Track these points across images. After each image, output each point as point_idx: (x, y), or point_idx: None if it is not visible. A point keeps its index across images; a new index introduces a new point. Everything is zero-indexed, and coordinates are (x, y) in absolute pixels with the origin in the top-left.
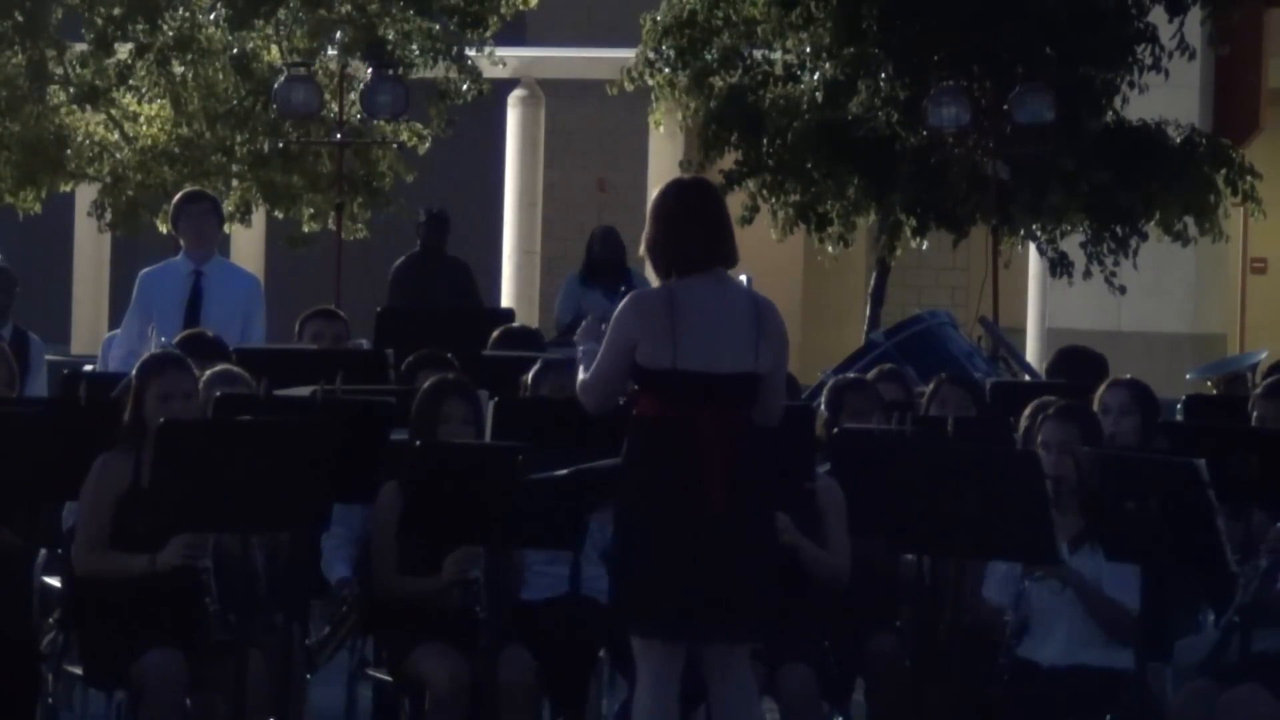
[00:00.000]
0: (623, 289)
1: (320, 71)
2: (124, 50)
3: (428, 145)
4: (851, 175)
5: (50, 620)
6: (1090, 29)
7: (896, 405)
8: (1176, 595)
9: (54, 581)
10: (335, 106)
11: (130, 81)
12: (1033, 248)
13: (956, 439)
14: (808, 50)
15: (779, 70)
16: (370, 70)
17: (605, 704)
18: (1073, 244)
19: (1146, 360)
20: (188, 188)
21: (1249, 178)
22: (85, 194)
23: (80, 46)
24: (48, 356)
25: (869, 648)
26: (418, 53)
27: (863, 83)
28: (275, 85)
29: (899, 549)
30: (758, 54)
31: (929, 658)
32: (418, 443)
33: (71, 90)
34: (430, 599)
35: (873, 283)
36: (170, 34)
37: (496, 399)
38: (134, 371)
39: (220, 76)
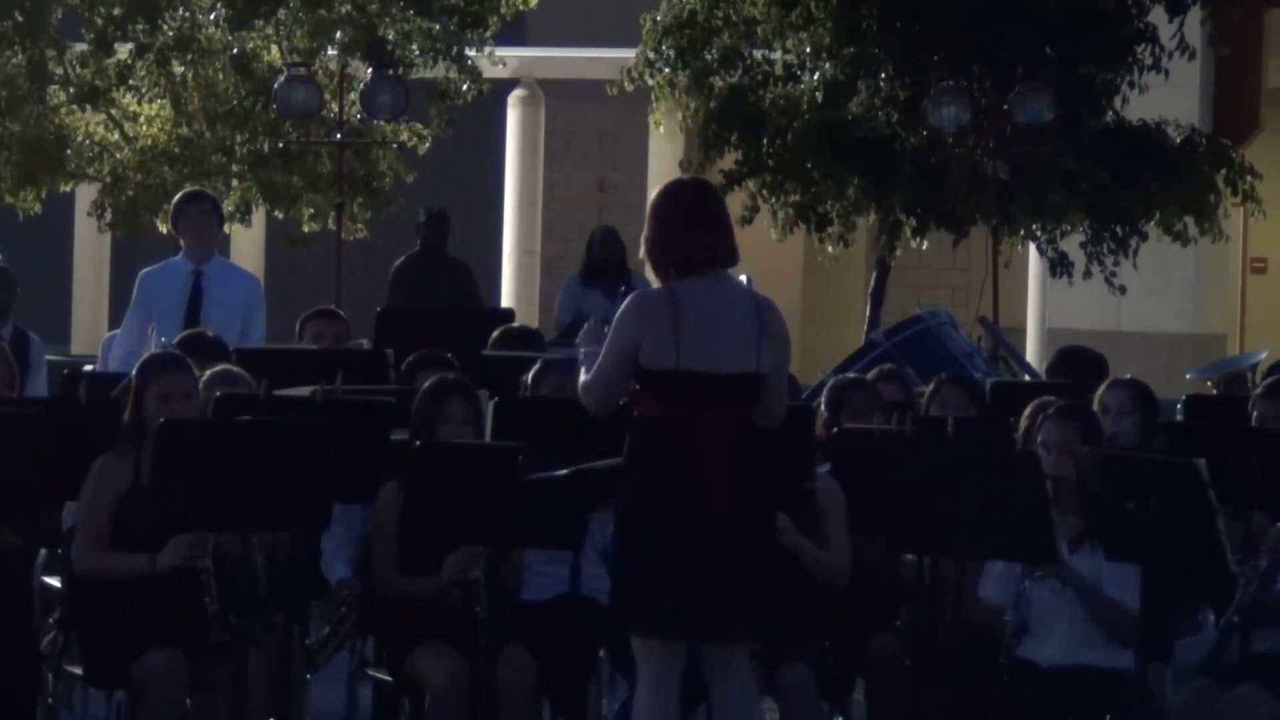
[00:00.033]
0: (623, 289)
1: (320, 71)
2: (124, 50)
3: (428, 145)
4: (851, 175)
5: (50, 620)
6: (1090, 29)
7: (896, 405)
8: (1176, 595)
9: (54, 581)
10: (335, 106)
11: (130, 81)
12: (1033, 248)
13: (956, 439)
14: (808, 50)
15: (779, 70)
16: (370, 70)
17: (605, 704)
18: (1073, 244)
19: (1146, 360)
20: (188, 188)
21: (1249, 178)
22: (85, 194)
23: (80, 46)
24: (48, 356)
25: (869, 648)
26: (418, 53)
27: (863, 83)
28: (275, 85)
29: (899, 549)
30: (758, 54)
31: (929, 658)
32: (418, 443)
33: (71, 90)
34: (430, 599)
35: (873, 283)
36: (170, 34)
37: (496, 399)
38: (134, 371)
39: (220, 76)
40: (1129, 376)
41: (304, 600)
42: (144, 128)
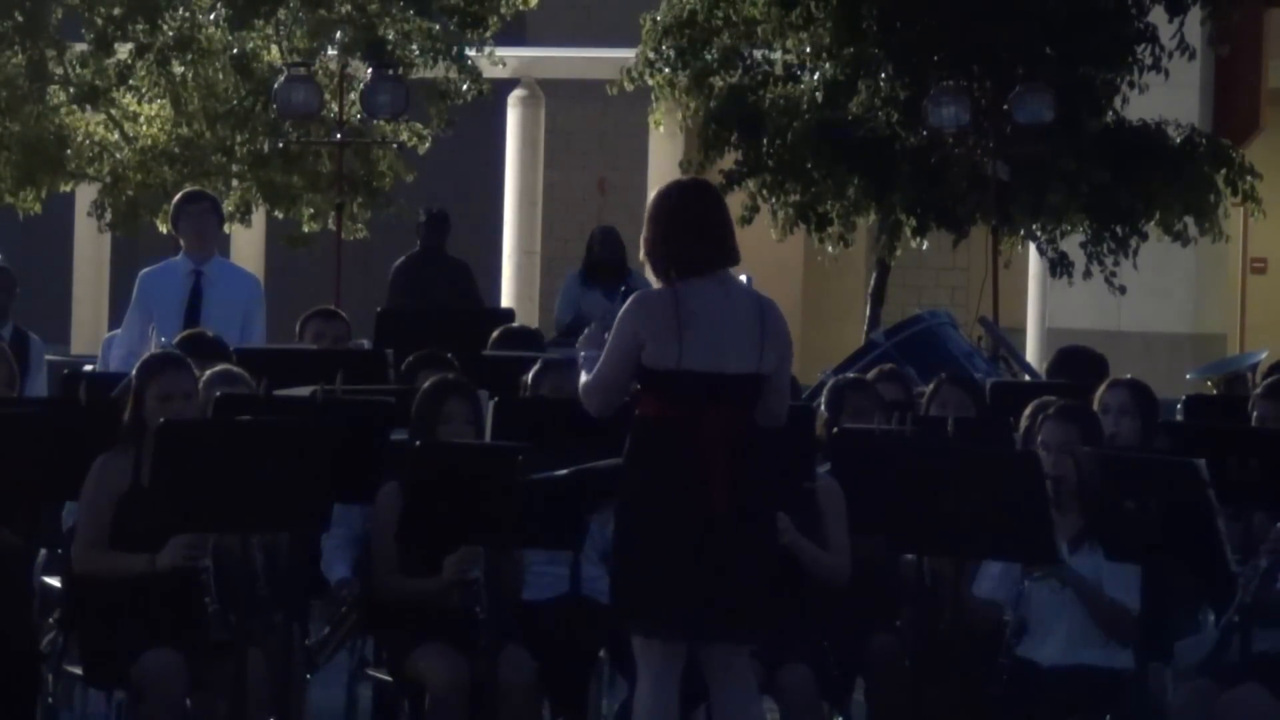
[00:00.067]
0: (623, 289)
1: (320, 71)
2: (124, 50)
3: (428, 145)
4: (851, 175)
5: (50, 620)
6: (1090, 29)
7: (896, 405)
8: (1176, 595)
9: (54, 581)
10: (335, 106)
11: (130, 81)
12: (1033, 248)
13: (956, 439)
14: (808, 50)
15: (779, 70)
16: (370, 70)
17: (605, 704)
18: (1073, 244)
19: (1146, 360)
20: (187, 188)
21: (1249, 178)
22: (85, 194)
23: (80, 46)
24: (48, 356)
25: (869, 648)
26: (418, 53)
27: (863, 83)
28: (275, 85)
29: (899, 549)
30: (758, 54)
31: (929, 658)
32: (418, 443)
33: (71, 90)
34: (430, 599)
35: (873, 283)
36: (170, 34)
37: (496, 399)
38: (134, 371)
39: (220, 76)
40: (1129, 377)
41: (304, 600)
42: (144, 128)
